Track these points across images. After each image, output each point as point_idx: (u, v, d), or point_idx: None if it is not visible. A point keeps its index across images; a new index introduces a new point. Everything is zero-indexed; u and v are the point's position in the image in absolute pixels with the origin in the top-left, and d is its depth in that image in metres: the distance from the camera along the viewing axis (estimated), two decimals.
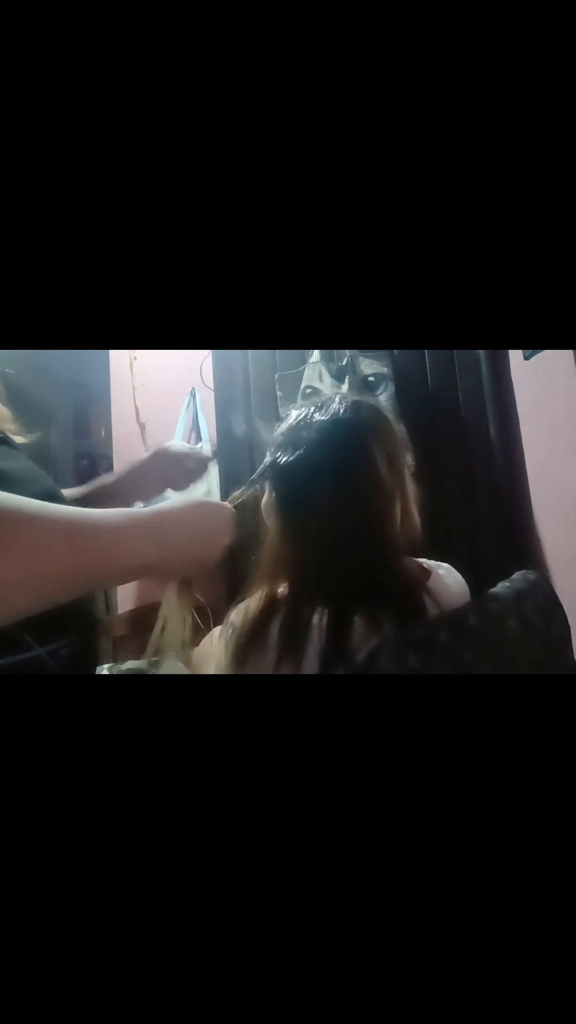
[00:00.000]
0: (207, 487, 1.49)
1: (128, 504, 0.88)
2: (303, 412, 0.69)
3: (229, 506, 0.63)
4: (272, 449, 0.68)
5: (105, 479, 0.86)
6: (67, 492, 0.76)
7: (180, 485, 0.88)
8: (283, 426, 0.70)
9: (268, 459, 0.67)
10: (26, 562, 0.40)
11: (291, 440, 0.66)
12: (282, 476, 0.65)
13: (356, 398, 0.70)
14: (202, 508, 0.59)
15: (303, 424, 0.67)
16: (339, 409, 0.67)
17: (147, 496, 0.88)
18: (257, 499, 0.69)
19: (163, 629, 0.70)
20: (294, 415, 0.70)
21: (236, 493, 0.69)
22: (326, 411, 0.67)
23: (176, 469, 0.86)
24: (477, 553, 1.33)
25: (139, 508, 0.55)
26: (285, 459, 0.65)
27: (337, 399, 0.69)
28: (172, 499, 0.59)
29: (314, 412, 0.68)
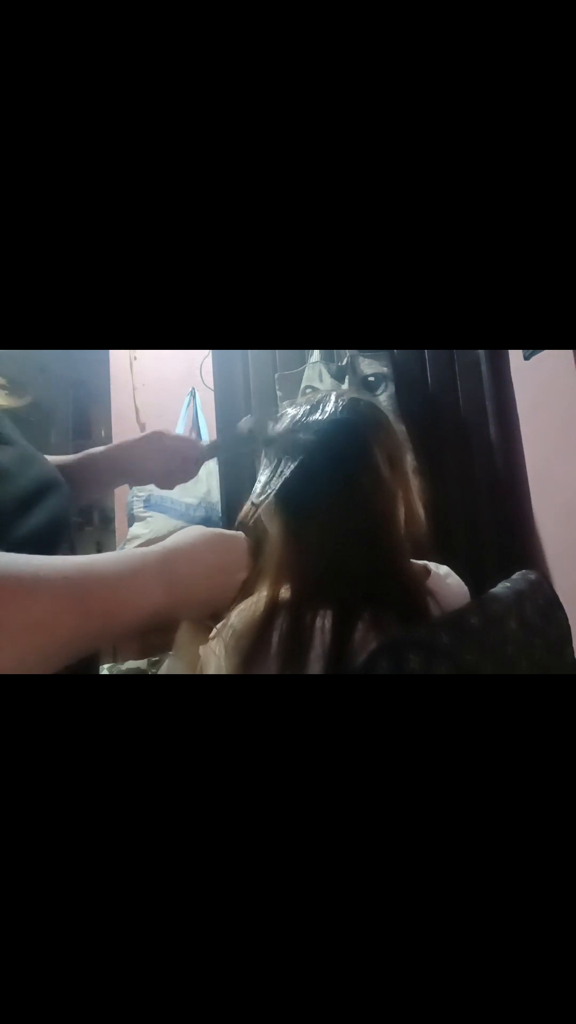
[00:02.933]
0: (207, 487, 1.49)
1: (114, 478, 0.84)
2: (299, 412, 0.67)
3: (241, 536, 0.57)
4: (269, 455, 0.66)
5: (94, 451, 0.80)
6: (54, 459, 0.70)
7: (167, 481, 0.81)
8: (279, 427, 0.68)
9: (268, 468, 0.65)
10: (29, 640, 0.36)
11: (290, 444, 0.64)
12: (283, 482, 0.63)
13: (353, 395, 0.69)
14: (215, 541, 0.53)
15: (300, 426, 0.65)
16: (336, 408, 0.65)
17: (133, 479, 0.83)
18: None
19: (175, 654, 0.68)
20: (290, 415, 0.68)
21: (242, 514, 0.66)
22: (323, 411, 0.65)
23: (168, 459, 0.79)
24: (477, 553, 1.33)
25: (147, 549, 0.49)
26: (285, 465, 0.63)
27: (333, 397, 0.67)
28: (183, 532, 0.53)
29: (310, 412, 0.66)
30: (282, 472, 0.63)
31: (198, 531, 0.53)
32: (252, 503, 0.65)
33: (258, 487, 0.65)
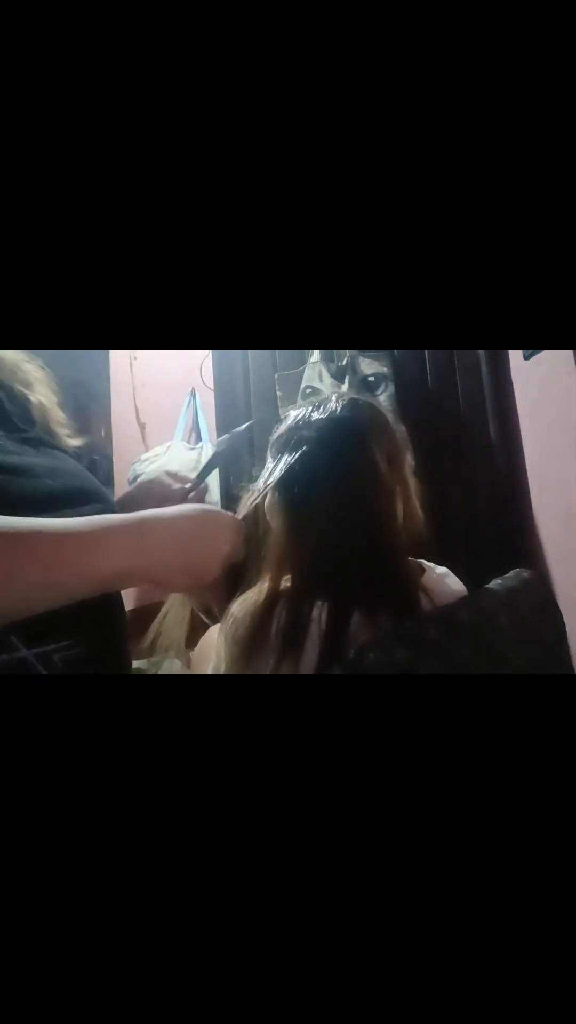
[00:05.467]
0: (206, 487, 1.49)
1: None
2: (301, 412, 0.69)
3: (230, 514, 0.59)
4: (272, 451, 0.68)
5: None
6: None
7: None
8: (282, 427, 0.70)
9: (270, 464, 0.67)
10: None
11: (291, 440, 0.66)
12: (284, 477, 0.65)
13: (354, 396, 0.71)
14: (196, 515, 0.55)
15: (302, 423, 0.67)
16: (337, 408, 0.68)
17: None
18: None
19: (163, 619, 0.70)
20: (292, 415, 0.70)
21: (243, 506, 0.67)
22: (324, 410, 0.68)
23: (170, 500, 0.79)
24: (477, 553, 1.33)
25: (123, 515, 0.52)
26: (287, 461, 0.65)
27: (334, 398, 0.70)
28: (167, 507, 0.55)
29: (312, 412, 0.68)
30: (283, 466, 0.65)
31: (182, 505, 0.56)
32: (253, 491, 0.67)
33: (260, 478, 0.67)
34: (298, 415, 0.69)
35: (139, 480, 0.84)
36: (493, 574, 0.66)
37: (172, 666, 1.21)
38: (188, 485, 0.75)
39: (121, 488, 1.64)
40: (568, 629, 0.67)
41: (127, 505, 0.81)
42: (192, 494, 0.74)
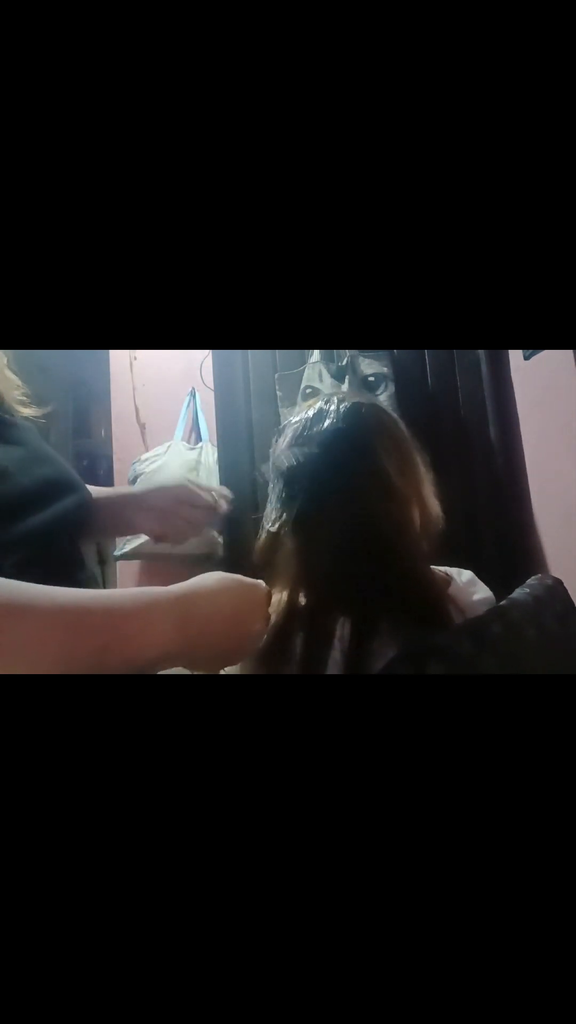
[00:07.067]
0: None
1: (118, 527, 0.82)
2: (300, 424, 0.65)
3: (263, 585, 0.55)
4: (275, 471, 0.65)
5: (113, 494, 0.79)
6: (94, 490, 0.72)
7: (173, 537, 0.78)
8: (282, 443, 0.66)
9: (275, 491, 0.64)
10: (13, 659, 0.37)
11: (295, 462, 0.63)
12: (291, 499, 0.62)
13: (356, 399, 0.67)
14: (236, 589, 0.51)
15: (303, 439, 0.64)
16: (338, 417, 0.64)
17: (120, 531, 0.81)
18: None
19: None
20: (291, 430, 0.66)
21: (259, 544, 0.65)
22: (324, 421, 0.64)
23: (169, 521, 0.76)
24: (477, 554, 1.33)
25: (163, 589, 0.47)
26: (293, 488, 0.62)
27: (335, 403, 0.65)
28: (202, 577, 0.51)
29: (312, 423, 0.64)
30: (291, 496, 0.62)
31: (218, 576, 0.52)
32: (268, 531, 0.63)
33: (272, 514, 0.64)
34: (297, 428, 0.65)
35: (159, 484, 0.81)
36: (493, 574, 0.66)
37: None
38: (211, 500, 0.73)
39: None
40: None
41: (140, 506, 0.78)
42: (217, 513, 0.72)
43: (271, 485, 0.66)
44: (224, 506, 0.78)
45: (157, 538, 0.80)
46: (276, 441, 0.68)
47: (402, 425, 0.69)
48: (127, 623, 0.43)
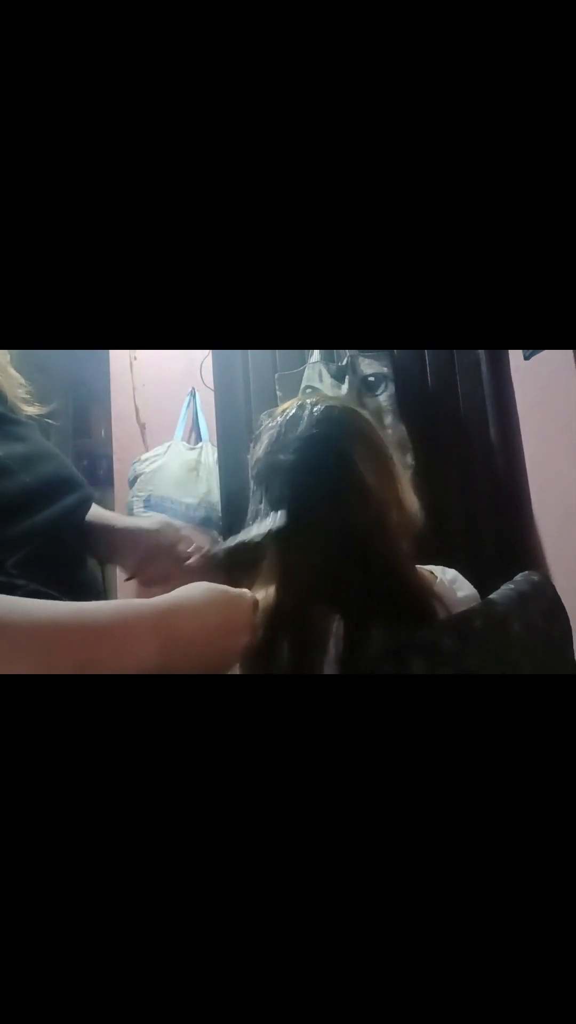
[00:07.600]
0: (207, 487, 1.49)
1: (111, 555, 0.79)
2: (274, 431, 0.65)
3: (249, 595, 0.53)
4: (255, 480, 0.65)
5: (120, 526, 0.76)
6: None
7: (171, 577, 0.73)
8: (259, 452, 0.66)
9: (254, 502, 0.64)
10: None
11: (271, 472, 0.63)
12: (271, 508, 0.62)
13: (330, 403, 0.66)
14: (221, 601, 0.50)
15: (278, 447, 0.63)
16: (311, 423, 0.63)
17: (117, 560, 0.78)
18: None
19: None
20: (266, 438, 0.66)
21: (236, 549, 0.64)
22: (299, 426, 0.63)
23: (164, 561, 0.73)
24: (477, 553, 1.33)
25: (147, 601, 0.46)
26: (271, 501, 0.62)
27: (308, 408, 0.65)
28: (187, 588, 0.50)
29: (286, 431, 0.64)
30: (270, 505, 0.62)
31: (204, 588, 0.50)
32: (243, 543, 0.63)
33: (251, 528, 0.63)
34: (272, 435, 0.65)
35: (139, 525, 0.79)
36: (493, 574, 0.66)
37: None
38: (193, 550, 0.71)
39: (121, 488, 1.64)
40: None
41: (129, 545, 0.74)
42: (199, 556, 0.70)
43: (251, 493, 0.65)
44: (206, 549, 0.75)
45: (132, 577, 0.77)
46: (252, 447, 0.67)
47: (375, 426, 0.69)
48: (106, 641, 0.42)
